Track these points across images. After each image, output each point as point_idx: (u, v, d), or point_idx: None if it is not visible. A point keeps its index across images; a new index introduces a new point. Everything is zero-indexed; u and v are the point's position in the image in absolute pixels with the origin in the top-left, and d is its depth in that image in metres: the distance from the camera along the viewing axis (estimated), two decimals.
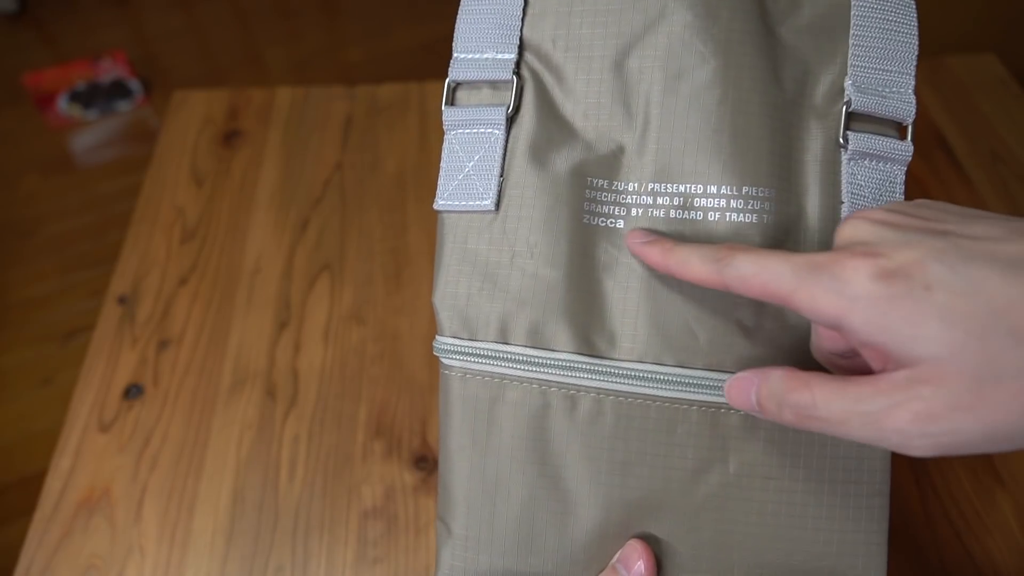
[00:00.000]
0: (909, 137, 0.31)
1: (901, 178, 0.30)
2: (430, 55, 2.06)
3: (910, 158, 0.31)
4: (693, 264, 0.26)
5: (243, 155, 0.75)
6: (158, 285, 0.65)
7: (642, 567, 0.29)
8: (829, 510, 0.29)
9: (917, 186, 0.72)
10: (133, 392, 0.58)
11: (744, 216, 0.29)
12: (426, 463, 0.54)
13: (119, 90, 1.88)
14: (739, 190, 0.29)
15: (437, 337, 0.32)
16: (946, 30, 1.15)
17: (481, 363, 0.31)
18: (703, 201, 0.30)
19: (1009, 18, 1.04)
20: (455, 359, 0.31)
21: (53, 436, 1.31)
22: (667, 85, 0.30)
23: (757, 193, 0.29)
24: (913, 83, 0.31)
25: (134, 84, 1.89)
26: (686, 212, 0.30)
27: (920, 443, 0.21)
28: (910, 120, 0.31)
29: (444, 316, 0.32)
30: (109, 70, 1.85)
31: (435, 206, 0.33)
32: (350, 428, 0.56)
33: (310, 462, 0.54)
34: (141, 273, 0.66)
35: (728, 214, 0.29)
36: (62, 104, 1.84)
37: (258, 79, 2.00)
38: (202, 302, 0.63)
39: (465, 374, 0.31)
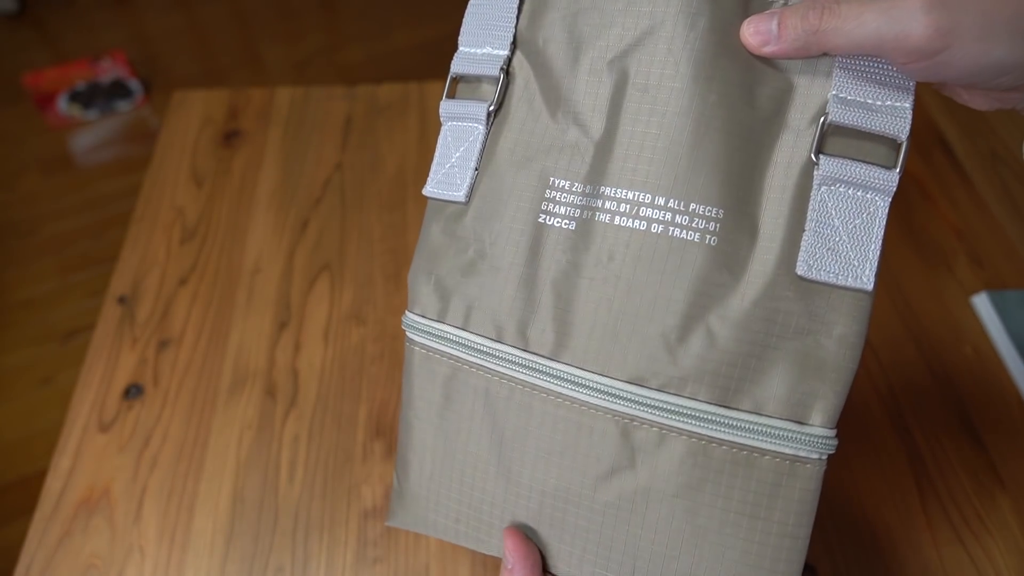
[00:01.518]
0: (900, 159, 0.28)
1: (883, 211, 0.28)
2: (430, 55, 2.06)
3: (894, 188, 0.28)
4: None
5: (243, 155, 0.75)
6: (158, 285, 0.65)
7: (510, 556, 0.32)
8: (731, 540, 0.29)
9: (917, 186, 0.72)
10: (133, 392, 0.58)
11: (686, 234, 0.29)
12: None
13: (119, 90, 1.88)
14: (686, 206, 0.29)
15: (406, 312, 0.35)
16: None
17: (439, 343, 0.33)
18: (649, 211, 0.29)
19: None
20: (418, 335, 0.34)
21: (53, 436, 1.31)
22: (638, 93, 0.30)
23: (705, 212, 0.29)
24: (911, 98, 0.28)
25: (134, 84, 1.89)
26: (631, 220, 0.30)
27: (923, 20, 0.24)
28: (903, 137, 0.28)
29: (412, 293, 0.34)
30: (109, 70, 1.85)
31: (424, 191, 0.35)
32: (350, 428, 0.56)
33: (310, 462, 0.54)
34: (141, 273, 0.66)
35: (671, 228, 0.29)
36: (62, 104, 1.84)
37: (258, 79, 2.00)
38: (202, 302, 0.63)
39: (426, 350, 0.34)
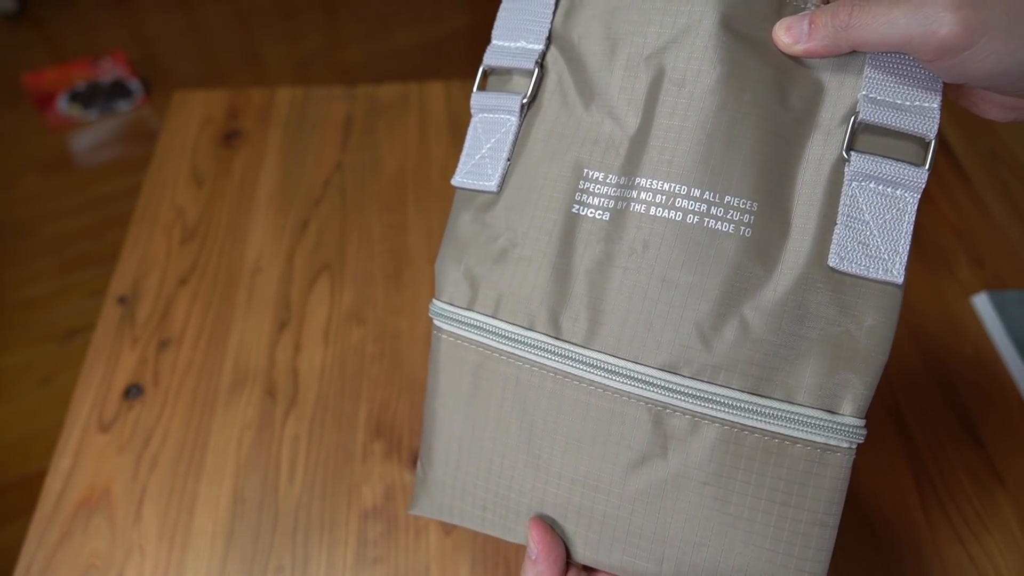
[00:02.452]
0: (929, 157, 0.29)
1: (912, 207, 0.29)
2: (430, 55, 2.06)
3: (924, 185, 0.29)
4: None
5: (243, 155, 0.75)
6: (158, 285, 0.65)
7: (534, 547, 0.32)
8: (762, 527, 0.30)
9: None
10: (133, 392, 0.58)
11: (721, 225, 0.30)
12: None
13: (119, 90, 1.88)
14: (721, 198, 0.30)
15: (434, 300, 0.35)
16: None
17: (468, 331, 0.33)
18: (684, 202, 0.30)
19: None
20: (446, 323, 0.34)
21: (53, 436, 1.31)
22: (675, 88, 0.31)
23: (739, 204, 0.30)
24: (939, 98, 0.29)
25: (134, 84, 1.89)
26: (666, 211, 0.30)
27: (950, 17, 0.25)
28: (931, 136, 0.29)
29: (440, 281, 0.34)
30: (109, 70, 1.85)
31: (452, 181, 0.35)
32: (350, 428, 0.56)
33: (310, 462, 0.54)
34: (141, 273, 0.66)
35: (706, 220, 0.30)
36: (62, 104, 1.84)
37: (258, 79, 2.00)
38: (202, 302, 0.63)
39: (452, 338, 0.34)
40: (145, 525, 0.51)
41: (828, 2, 0.30)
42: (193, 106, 0.80)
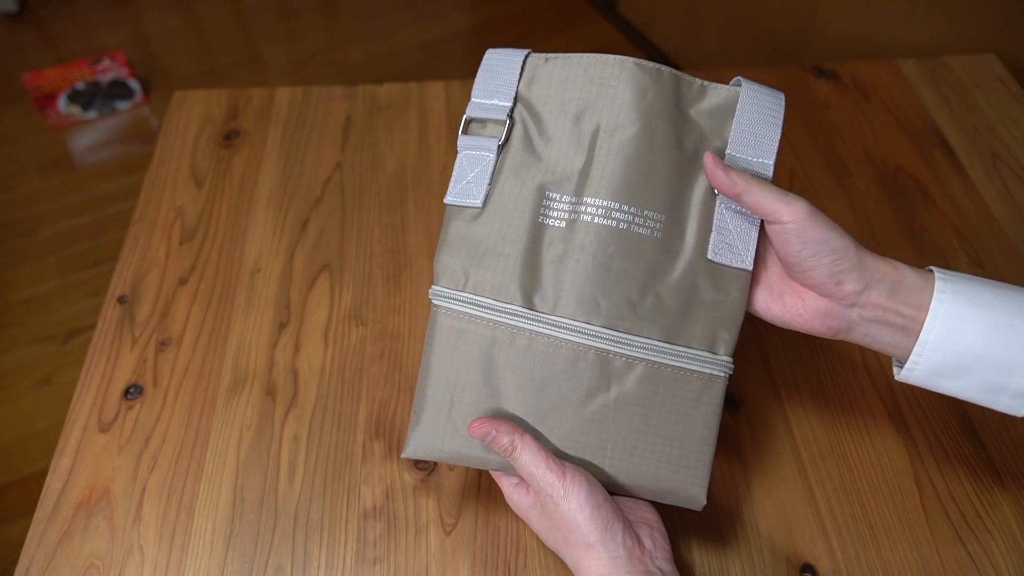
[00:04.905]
0: None
1: (758, 220, 0.44)
2: (430, 55, 2.06)
3: None
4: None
5: (243, 155, 0.75)
6: (158, 285, 0.65)
7: (507, 426, 0.42)
8: (673, 430, 0.43)
9: (917, 186, 0.72)
10: (133, 392, 0.58)
11: (642, 230, 0.43)
12: (426, 463, 0.54)
13: (119, 90, 1.88)
14: (641, 211, 0.43)
15: (432, 286, 0.46)
16: (946, 30, 1.15)
17: (458, 305, 0.44)
18: (617, 214, 0.43)
19: (1009, 18, 1.04)
20: (442, 300, 0.45)
21: (53, 436, 1.32)
22: (607, 136, 0.44)
23: (652, 216, 0.44)
24: (774, 157, 0.44)
25: (134, 84, 1.89)
26: (605, 220, 0.43)
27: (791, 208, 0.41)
28: (769, 179, 0.44)
29: (438, 272, 0.45)
30: (109, 70, 1.84)
31: (445, 200, 0.46)
32: (350, 428, 0.56)
33: (310, 462, 0.54)
34: (141, 273, 0.66)
35: (632, 226, 0.43)
36: (62, 104, 1.84)
37: (258, 79, 2.00)
38: (202, 302, 0.63)
39: (447, 311, 0.45)
40: (145, 525, 0.51)
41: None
42: (193, 106, 0.80)
